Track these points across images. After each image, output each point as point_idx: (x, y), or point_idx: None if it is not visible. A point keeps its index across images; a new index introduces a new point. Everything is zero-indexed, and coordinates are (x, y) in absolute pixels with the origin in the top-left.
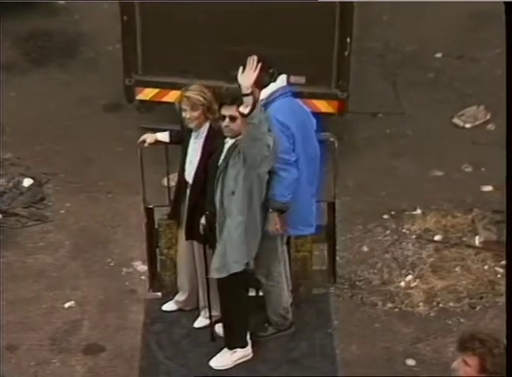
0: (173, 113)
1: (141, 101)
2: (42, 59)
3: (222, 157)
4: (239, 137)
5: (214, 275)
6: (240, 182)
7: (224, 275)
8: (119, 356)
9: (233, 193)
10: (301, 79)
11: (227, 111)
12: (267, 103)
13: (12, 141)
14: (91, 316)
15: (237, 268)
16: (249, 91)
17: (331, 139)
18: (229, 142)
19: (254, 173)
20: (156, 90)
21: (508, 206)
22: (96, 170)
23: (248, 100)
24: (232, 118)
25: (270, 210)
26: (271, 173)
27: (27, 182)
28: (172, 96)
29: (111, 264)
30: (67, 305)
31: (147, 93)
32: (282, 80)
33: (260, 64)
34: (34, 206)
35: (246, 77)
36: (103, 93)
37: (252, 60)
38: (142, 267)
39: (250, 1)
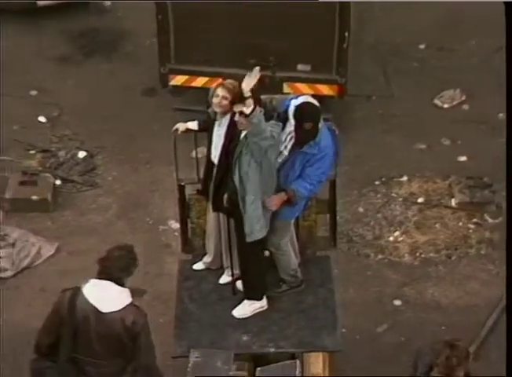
0: (199, 96)
1: (174, 86)
2: (92, 52)
3: (238, 145)
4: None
5: (246, 239)
6: (253, 166)
7: (251, 240)
8: (157, 298)
9: (247, 174)
10: (307, 67)
11: (237, 108)
12: None
13: (69, 120)
14: (150, 266)
15: (259, 236)
16: (249, 94)
17: (333, 128)
18: (243, 132)
19: (265, 160)
20: (186, 77)
21: (508, 206)
22: (137, 144)
23: (249, 102)
24: (242, 114)
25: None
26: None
27: (82, 154)
28: (199, 81)
29: (150, 222)
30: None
31: (178, 80)
32: None
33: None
34: (87, 175)
35: (247, 83)
36: (141, 80)
37: (256, 71)
38: (175, 225)
39: (266, 1)
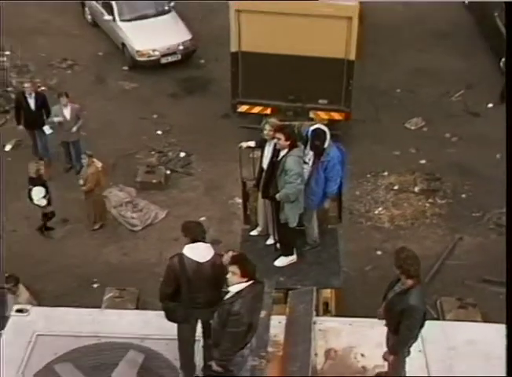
0: (256, 119)
1: (240, 112)
2: (192, 91)
3: (281, 160)
4: (285, 151)
5: (289, 225)
6: (286, 175)
7: (291, 226)
8: (228, 247)
9: (284, 181)
10: (325, 101)
11: (277, 134)
12: None
13: (175, 133)
14: (214, 222)
15: (294, 224)
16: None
17: (341, 147)
18: (282, 152)
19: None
20: (248, 106)
21: (508, 206)
22: (217, 149)
23: (280, 134)
24: (279, 139)
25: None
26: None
27: (182, 154)
28: (256, 109)
29: (224, 198)
30: (201, 219)
31: (243, 108)
32: None
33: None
34: (185, 167)
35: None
36: (221, 109)
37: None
38: (239, 201)
39: (299, 56)
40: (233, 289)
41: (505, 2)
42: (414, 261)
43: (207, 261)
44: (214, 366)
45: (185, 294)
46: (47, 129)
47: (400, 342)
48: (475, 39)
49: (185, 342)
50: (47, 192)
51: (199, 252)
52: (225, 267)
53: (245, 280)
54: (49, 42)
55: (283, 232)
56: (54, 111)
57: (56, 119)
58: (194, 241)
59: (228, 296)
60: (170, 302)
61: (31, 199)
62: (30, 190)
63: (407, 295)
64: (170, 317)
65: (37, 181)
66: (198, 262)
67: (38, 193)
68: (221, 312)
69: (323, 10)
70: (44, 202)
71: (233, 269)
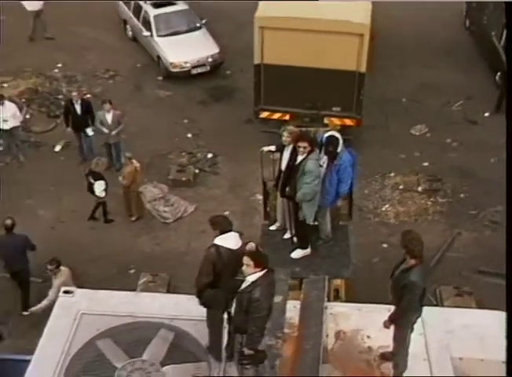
0: (275, 124)
1: (261, 118)
2: (218, 99)
3: (297, 163)
4: (304, 155)
5: (307, 222)
6: (305, 177)
7: (308, 223)
8: (249, 238)
9: (303, 180)
10: (339, 108)
11: (301, 143)
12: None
13: (204, 136)
14: (237, 216)
15: (310, 220)
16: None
17: (353, 152)
18: (300, 156)
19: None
20: (268, 113)
21: (508, 206)
22: (241, 151)
23: (303, 142)
24: (300, 147)
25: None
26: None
27: (209, 155)
28: (275, 116)
29: (246, 194)
30: (226, 213)
31: (264, 114)
32: None
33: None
34: (212, 167)
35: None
36: (244, 115)
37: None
38: (260, 197)
39: (315, 68)
40: (250, 278)
41: (505, 2)
42: (418, 243)
43: (239, 248)
44: (247, 350)
45: (224, 281)
46: (90, 132)
47: (400, 312)
48: (474, 56)
49: (217, 326)
50: (106, 185)
51: (230, 241)
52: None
53: (259, 269)
54: (95, 56)
55: (300, 228)
56: (98, 116)
57: (103, 130)
58: (223, 232)
59: (245, 285)
60: (210, 291)
61: (92, 191)
62: (91, 184)
63: (409, 273)
64: (210, 305)
65: (98, 175)
66: (231, 250)
67: (99, 186)
68: (241, 300)
69: (337, 27)
70: (103, 194)
71: (247, 260)
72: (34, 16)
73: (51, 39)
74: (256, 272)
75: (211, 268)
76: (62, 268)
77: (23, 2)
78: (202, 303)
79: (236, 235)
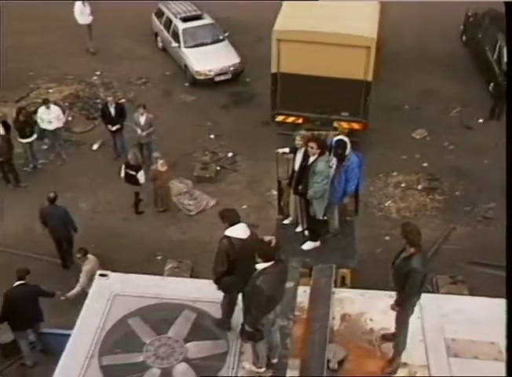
0: (290, 127)
1: (277, 121)
2: (239, 103)
3: (309, 163)
4: (315, 156)
5: (316, 217)
6: (315, 176)
7: (318, 218)
8: (267, 227)
9: (314, 179)
10: (347, 113)
11: (311, 144)
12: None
13: (225, 137)
14: (254, 210)
15: (320, 216)
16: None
17: (360, 154)
18: (312, 157)
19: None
20: (283, 116)
21: (508, 206)
22: (258, 151)
23: (313, 143)
24: (312, 148)
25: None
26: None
27: (230, 154)
28: (290, 119)
29: (262, 190)
30: (243, 207)
31: (279, 118)
32: None
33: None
34: (232, 165)
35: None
36: (262, 118)
37: (308, 134)
38: (274, 193)
39: (326, 77)
40: (259, 267)
41: (505, 2)
42: (416, 233)
43: (248, 237)
44: (247, 327)
45: (239, 267)
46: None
47: (404, 296)
48: (470, 69)
49: (230, 307)
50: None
51: (240, 231)
52: (262, 239)
53: (265, 260)
54: (129, 64)
55: (311, 222)
56: (134, 118)
57: (137, 130)
58: (232, 224)
59: (255, 273)
60: (226, 278)
61: (135, 181)
62: (132, 176)
63: (410, 260)
64: (227, 290)
65: (136, 167)
66: (241, 239)
67: (142, 175)
68: (249, 285)
69: (346, 41)
70: (143, 181)
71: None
72: (85, 29)
73: (93, 54)
74: (264, 263)
75: (225, 257)
76: (89, 256)
77: (76, 16)
78: (220, 288)
79: (244, 225)
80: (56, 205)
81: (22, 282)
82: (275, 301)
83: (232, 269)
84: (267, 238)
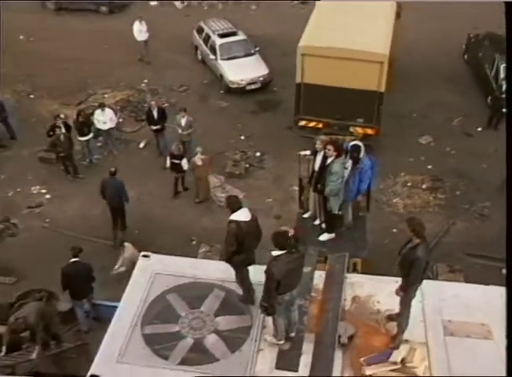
0: (312, 131)
1: (300, 126)
2: (265, 109)
3: (328, 166)
4: (332, 158)
5: (332, 211)
6: (331, 176)
7: (333, 212)
8: (288, 218)
9: (330, 178)
10: (362, 120)
11: (328, 146)
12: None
13: (253, 139)
14: (277, 203)
15: (335, 210)
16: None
17: (373, 158)
18: (329, 159)
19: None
20: (305, 121)
21: (508, 206)
22: (283, 151)
23: (331, 146)
24: (329, 150)
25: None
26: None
27: (258, 154)
28: (312, 124)
29: (285, 185)
30: (268, 200)
31: (302, 123)
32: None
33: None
34: (259, 163)
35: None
36: (286, 122)
37: (327, 138)
38: (296, 189)
39: (344, 88)
40: (274, 253)
41: (505, 2)
42: (421, 226)
43: (251, 219)
44: (262, 303)
45: (247, 246)
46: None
47: (409, 282)
48: (471, 83)
49: (245, 282)
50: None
51: (243, 215)
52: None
53: (279, 248)
54: (172, 73)
55: (327, 216)
56: (176, 120)
57: (178, 130)
58: (236, 210)
59: (270, 259)
60: (237, 256)
61: (180, 169)
62: (176, 164)
63: (415, 250)
64: (238, 266)
65: (180, 156)
66: (246, 221)
67: (185, 162)
68: (266, 269)
69: (362, 56)
70: (186, 167)
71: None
72: (143, 44)
73: (148, 63)
74: (278, 251)
75: (234, 238)
76: (126, 244)
77: (134, 34)
78: (232, 266)
79: (246, 210)
80: (115, 178)
81: (76, 259)
82: (286, 286)
83: (240, 248)
84: (284, 228)
